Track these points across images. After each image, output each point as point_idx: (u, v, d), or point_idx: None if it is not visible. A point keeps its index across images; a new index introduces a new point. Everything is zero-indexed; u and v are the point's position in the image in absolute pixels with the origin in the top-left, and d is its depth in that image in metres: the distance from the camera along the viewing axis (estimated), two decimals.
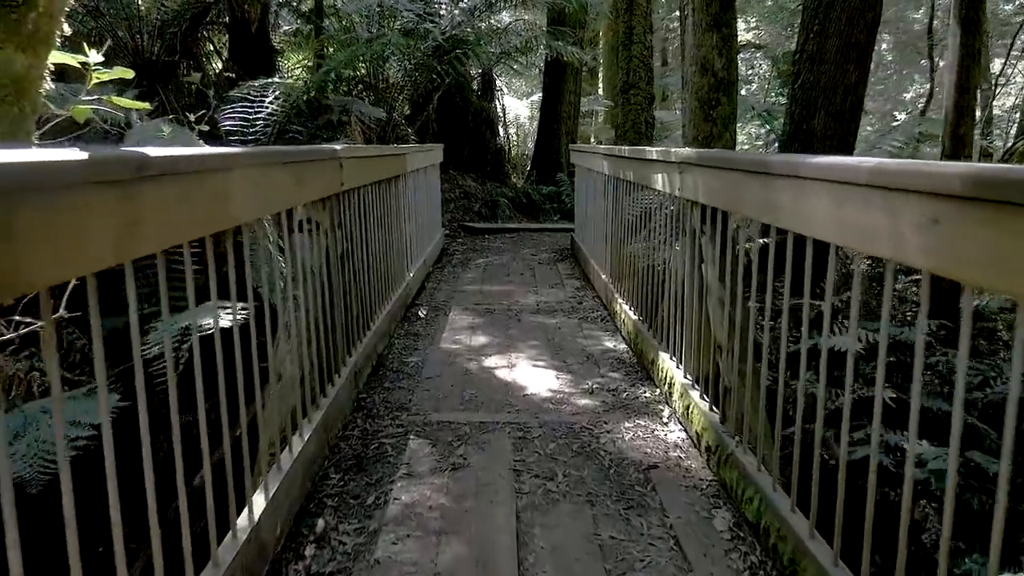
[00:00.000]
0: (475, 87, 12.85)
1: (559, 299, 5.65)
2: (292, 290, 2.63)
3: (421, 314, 5.09)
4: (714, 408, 2.64)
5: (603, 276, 5.34)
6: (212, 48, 11.02)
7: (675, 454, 2.76)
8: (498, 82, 14.20)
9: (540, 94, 18.32)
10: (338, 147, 3.03)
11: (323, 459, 2.64)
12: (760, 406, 2.20)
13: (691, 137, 5.87)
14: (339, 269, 3.13)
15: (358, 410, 3.22)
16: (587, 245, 6.58)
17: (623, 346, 4.28)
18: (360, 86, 9.14)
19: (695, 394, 2.83)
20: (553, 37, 11.39)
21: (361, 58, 7.33)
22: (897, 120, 15.77)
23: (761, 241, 3.02)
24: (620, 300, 4.56)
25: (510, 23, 11.98)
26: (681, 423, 3.00)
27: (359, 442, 2.89)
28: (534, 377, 3.73)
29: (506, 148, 13.50)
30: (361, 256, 3.71)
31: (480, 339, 4.48)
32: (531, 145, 16.77)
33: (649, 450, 2.80)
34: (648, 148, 3.58)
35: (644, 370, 3.75)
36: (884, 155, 7.20)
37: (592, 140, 20.32)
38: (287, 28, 15.11)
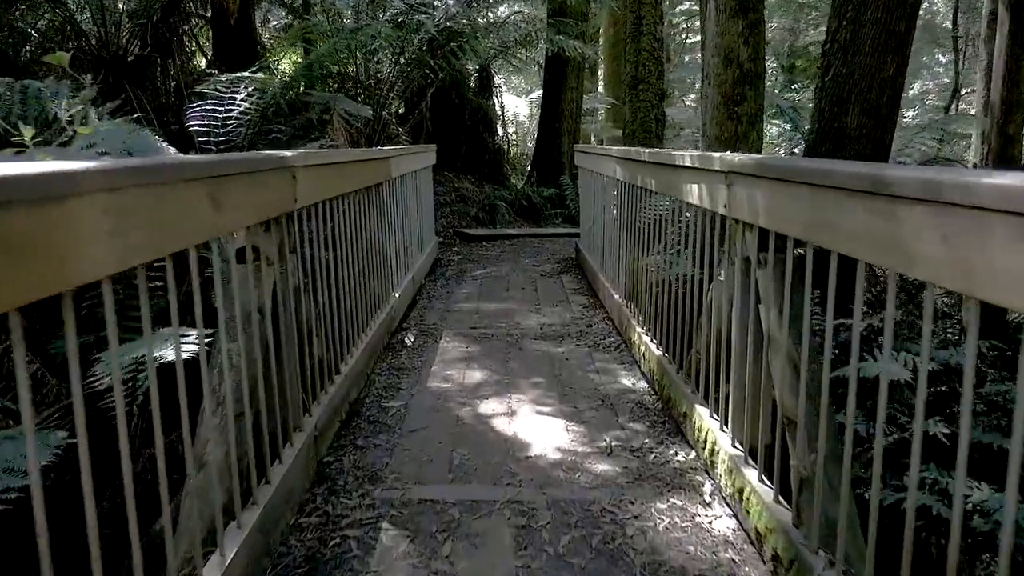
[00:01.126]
0: (472, 84, 12.20)
1: (565, 321, 5.00)
2: (223, 343, 1.98)
3: (408, 341, 4.44)
4: (782, 501, 1.99)
5: (615, 295, 4.69)
6: (197, 45, 10.39)
7: (727, 556, 2.11)
8: (497, 79, 13.54)
9: (540, 91, 17.68)
10: (289, 153, 2.38)
11: (261, 572, 1.98)
12: (868, 522, 1.55)
13: (712, 137, 5.23)
14: (293, 307, 2.48)
15: (320, 482, 2.57)
16: (594, 257, 5.93)
17: (643, 384, 3.64)
18: (350, 83, 8.48)
19: (751, 474, 2.18)
20: (554, 30, 10.74)
21: (346, 50, 6.68)
22: (905, 117, 15.10)
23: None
24: (638, 328, 3.91)
25: (508, 15, 11.34)
26: (729, 506, 2.35)
27: (316, 534, 2.23)
28: (539, 429, 3.08)
29: (505, 148, 12.85)
30: (328, 286, 3.06)
31: (475, 374, 3.83)
32: (531, 144, 16.11)
33: (692, 547, 2.15)
34: (679, 152, 2.93)
35: (673, 421, 3.10)
36: (921, 157, 6.56)
37: (593, 139, 19.68)
38: (276, 23, 14.46)
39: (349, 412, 3.15)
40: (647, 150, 3.60)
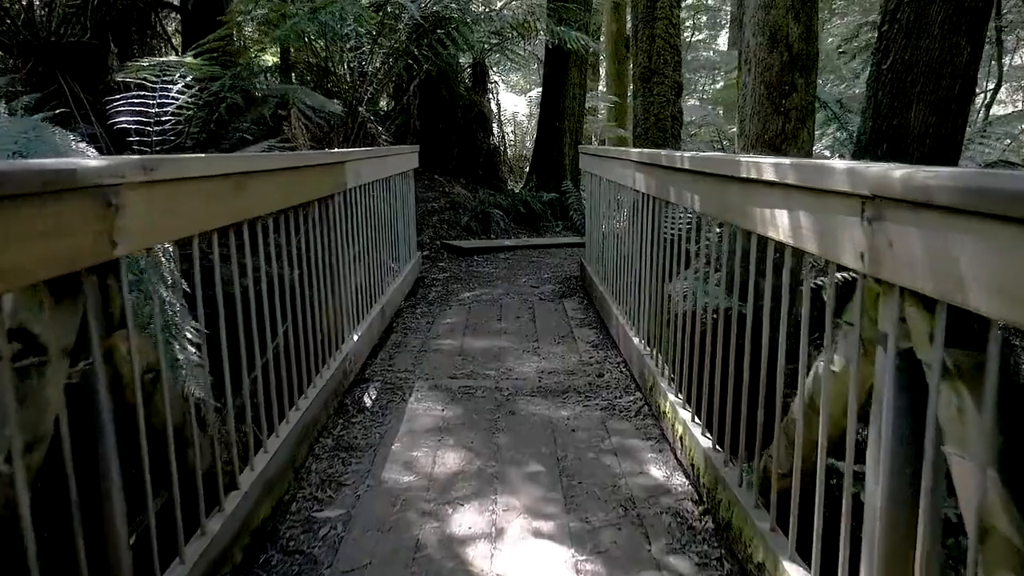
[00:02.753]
0: (467, 81, 11.20)
1: (569, 366, 3.99)
2: None
3: (367, 400, 3.43)
4: None
5: (633, 337, 3.69)
6: (163, 34, 9.38)
7: None
8: (493, 76, 12.52)
9: (539, 89, 16.66)
10: (99, 162, 1.38)
11: None
12: None
13: (753, 136, 4.21)
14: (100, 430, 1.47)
15: None
16: (603, 279, 4.92)
17: (680, 479, 2.63)
18: (333, 79, 7.46)
19: None
20: (555, 19, 9.74)
21: (306, 33, 5.68)
22: None
23: None
24: (669, 393, 2.90)
25: (504, 2, 10.35)
26: None
27: None
28: (536, 567, 2.07)
29: (502, 149, 11.84)
30: (232, 353, 2.05)
31: (449, 458, 2.82)
32: (529, 145, 15.10)
33: None
34: (752, 158, 1.92)
35: (735, 561, 2.08)
36: (984, 160, 5.56)
37: (594, 140, 18.68)
38: (262, 12, 13.45)
39: (253, 542, 2.14)
40: (688, 153, 2.59)
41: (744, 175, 1.92)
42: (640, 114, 6.92)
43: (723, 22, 26.13)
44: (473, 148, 10.53)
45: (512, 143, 14.94)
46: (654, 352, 3.31)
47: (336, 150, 3.59)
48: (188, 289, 2.01)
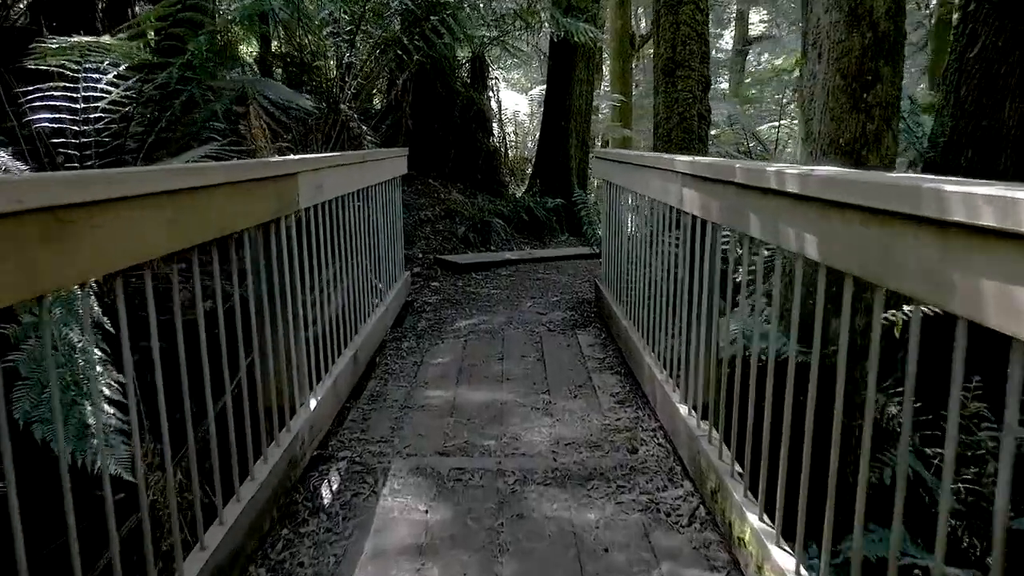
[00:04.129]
0: (465, 77, 10.32)
1: (592, 433, 3.12)
2: None
3: (324, 496, 2.55)
4: None
5: (678, 403, 2.82)
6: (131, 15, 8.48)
7: None
8: (492, 70, 11.62)
9: (541, 87, 15.74)
10: None
11: None
12: None
13: (825, 140, 3.33)
14: None
15: None
16: (628, 313, 4.05)
17: None
18: (314, 75, 6.59)
19: None
20: (561, 9, 8.87)
21: (281, 15, 4.81)
22: None
23: None
24: (747, 507, 2.03)
25: None
26: None
27: None
28: None
29: (502, 151, 10.95)
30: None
31: None
32: (531, 146, 14.22)
33: None
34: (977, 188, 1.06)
35: None
36: None
37: (598, 142, 17.81)
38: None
39: None
40: (796, 169, 1.69)
41: (966, 221, 1.04)
42: (662, 113, 6.04)
43: (727, 18, 25.23)
44: (472, 150, 9.66)
45: (513, 144, 14.04)
46: (711, 432, 2.44)
47: (284, 158, 2.68)
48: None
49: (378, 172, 4.38)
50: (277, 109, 4.67)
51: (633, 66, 22.39)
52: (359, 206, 3.82)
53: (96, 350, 2.35)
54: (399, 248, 5.27)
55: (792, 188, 1.63)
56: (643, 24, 23.00)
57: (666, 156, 3.01)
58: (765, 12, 24.65)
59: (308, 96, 5.01)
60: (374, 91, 9.16)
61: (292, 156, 2.58)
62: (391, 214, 4.92)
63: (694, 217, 2.60)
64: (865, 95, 3.17)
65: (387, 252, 4.74)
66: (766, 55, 23.58)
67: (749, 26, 24.11)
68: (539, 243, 8.99)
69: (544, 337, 4.70)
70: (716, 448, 2.36)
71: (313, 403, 2.79)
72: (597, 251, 6.89)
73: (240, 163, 2.30)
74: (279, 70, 6.54)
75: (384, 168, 4.57)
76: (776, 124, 7.21)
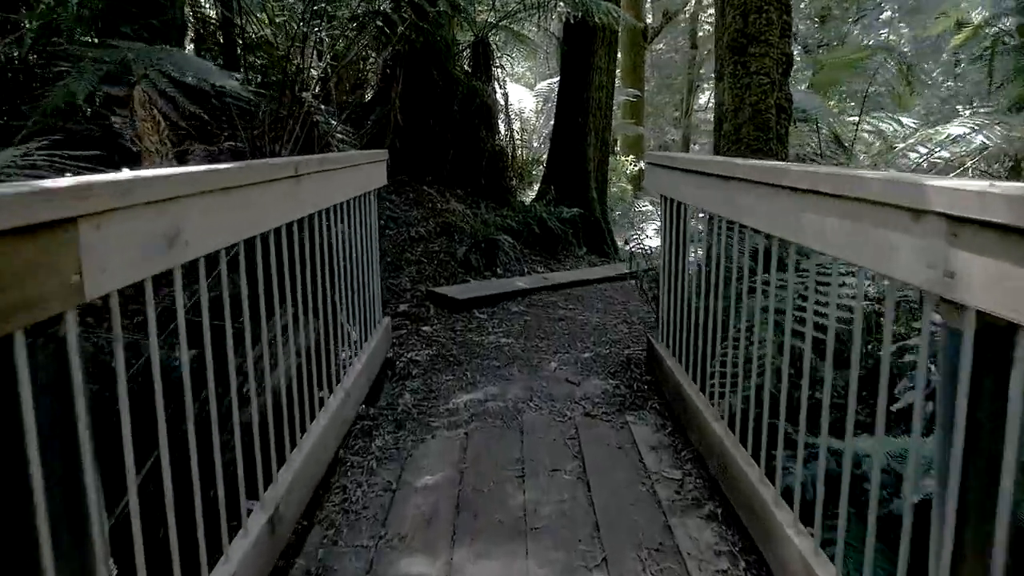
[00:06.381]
0: (467, 67, 8.80)
1: None
2: None
3: None
4: None
5: None
6: None
7: None
8: (498, 58, 10.07)
9: (547, 81, 14.19)
10: None
11: None
12: None
13: None
14: None
15: None
16: (721, 409, 2.56)
17: None
18: (295, 73, 5.03)
19: None
20: None
21: None
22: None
23: None
24: None
25: None
26: None
27: None
28: None
29: (509, 152, 9.44)
30: None
31: None
32: (536, 145, 12.69)
33: None
34: None
35: None
36: None
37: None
38: None
39: None
40: None
41: None
42: (728, 103, 4.54)
43: None
44: (474, 150, 8.15)
45: (519, 143, 12.50)
46: None
47: (38, 183, 1.15)
48: None
49: (343, 187, 2.90)
50: (187, 95, 3.19)
51: (644, 60, 20.87)
52: (316, 236, 2.32)
53: None
54: (374, 286, 3.77)
55: None
56: (650, 18, 21.37)
57: (898, 177, 1.48)
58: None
59: (236, 75, 3.51)
60: (356, 79, 7.67)
61: (69, 181, 1.11)
62: (365, 240, 3.43)
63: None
64: None
65: (355, 297, 3.25)
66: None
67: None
68: (554, 260, 7.50)
69: (581, 429, 3.20)
70: None
71: None
72: (627, 273, 5.39)
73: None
74: (215, 45, 5.04)
75: (350, 180, 3.08)
76: (855, 117, 5.66)
